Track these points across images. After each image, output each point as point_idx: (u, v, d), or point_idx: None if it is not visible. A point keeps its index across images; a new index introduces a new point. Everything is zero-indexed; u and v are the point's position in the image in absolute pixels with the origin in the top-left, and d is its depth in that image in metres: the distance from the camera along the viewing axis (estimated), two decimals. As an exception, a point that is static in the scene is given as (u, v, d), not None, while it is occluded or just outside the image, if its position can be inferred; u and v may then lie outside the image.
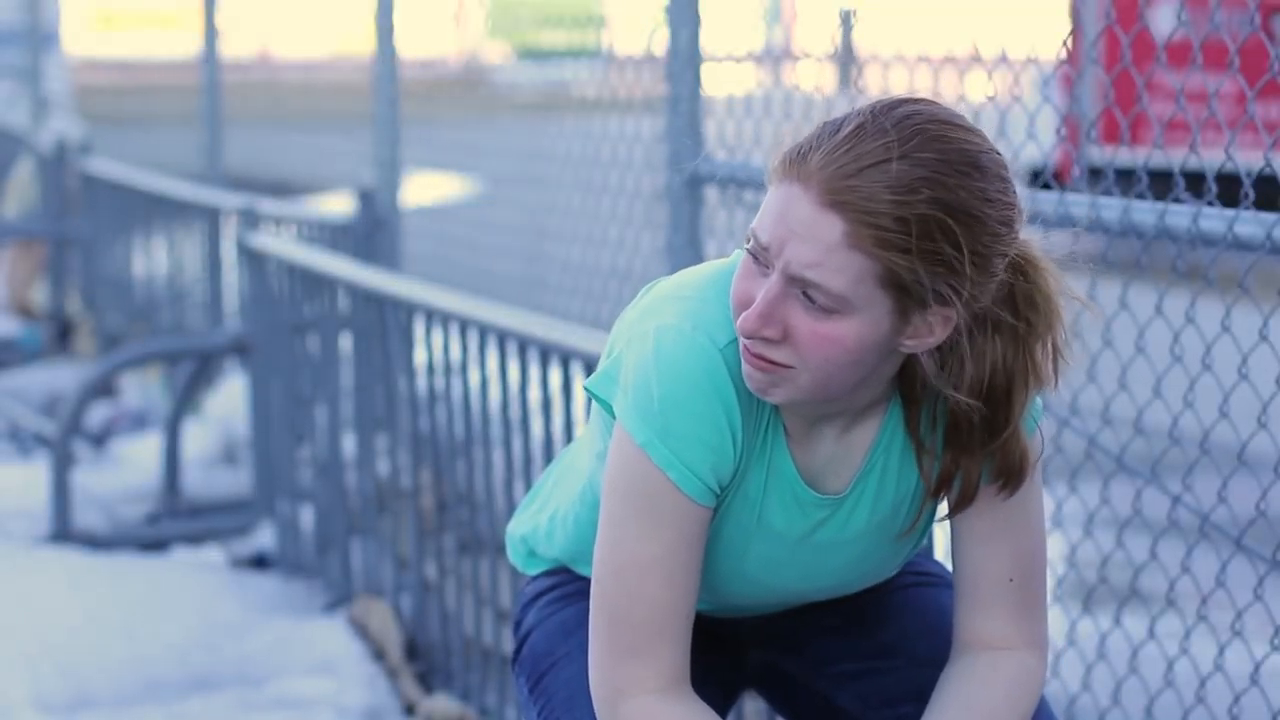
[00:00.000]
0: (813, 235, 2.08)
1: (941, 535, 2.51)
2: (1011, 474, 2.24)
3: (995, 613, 2.31)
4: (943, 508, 2.32)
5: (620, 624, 2.24)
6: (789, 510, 2.29)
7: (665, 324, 2.22)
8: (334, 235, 6.09)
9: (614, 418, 2.25)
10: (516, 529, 2.59)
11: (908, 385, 2.24)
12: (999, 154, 2.15)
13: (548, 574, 2.56)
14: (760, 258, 2.13)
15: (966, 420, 2.19)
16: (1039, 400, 2.26)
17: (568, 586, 2.52)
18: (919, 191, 2.07)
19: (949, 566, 2.41)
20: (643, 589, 2.23)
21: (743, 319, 2.14)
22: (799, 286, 2.10)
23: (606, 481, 2.26)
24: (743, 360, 2.16)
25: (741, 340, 2.16)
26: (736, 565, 2.33)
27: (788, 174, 2.12)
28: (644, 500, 2.21)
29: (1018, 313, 2.16)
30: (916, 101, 2.14)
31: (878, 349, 2.14)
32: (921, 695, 2.38)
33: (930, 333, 2.14)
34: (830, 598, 2.43)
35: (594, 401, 2.30)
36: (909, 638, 2.48)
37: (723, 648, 2.51)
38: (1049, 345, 2.19)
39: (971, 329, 2.15)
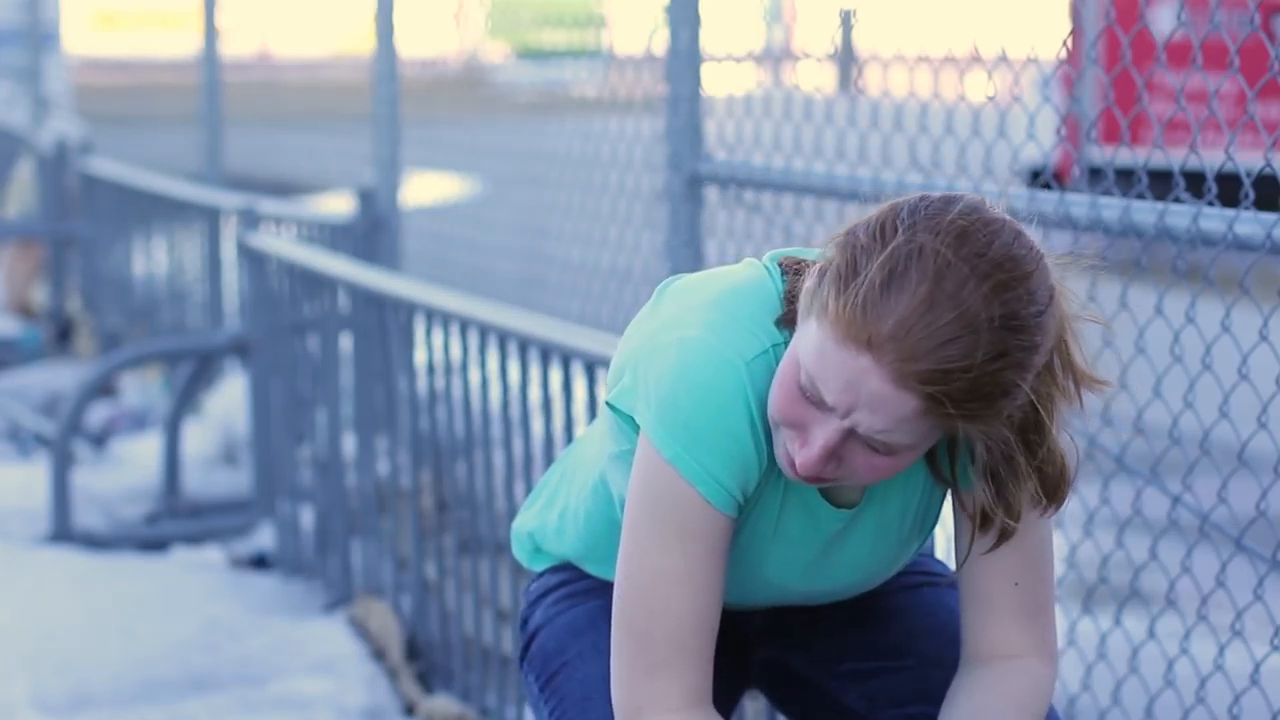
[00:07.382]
0: (887, 410, 2.06)
1: (942, 536, 2.51)
2: (1052, 490, 2.22)
3: (1003, 619, 2.30)
4: (946, 508, 2.31)
5: (642, 639, 2.23)
6: (804, 523, 2.29)
7: (689, 336, 2.20)
8: (334, 235, 6.09)
9: (637, 432, 2.24)
10: (523, 525, 2.59)
11: None
12: (1049, 288, 2.08)
13: (553, 570, 2.55)
14: (816, 402, 2.10)
15: (1002, 454, 2.16)
16: None
17: (574, 585, 2.51)
18: (994, 362, 2.03)
19: (951, 566, 2.40)
20: (666, 604, 2.22)
21: (804, 462, 2.12)
22: (863, 437, 2.10)
23: (631, 495, 2.24)
24: (786, 467, 2.16)
25: (794, 467, 2.15)
26: (752, 571, 2.33)
27: (853, 336, 2.05)
28: (670, 513, 2.21)
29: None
30: (990, 232, 2.06)
31: None
32: (929, 696, 2.38)
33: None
34: (837, 599, 2.43)
35: (615, 415, 2.28)
36: (916, 637, 2.47)
37: (729, 648, 2.50)
38: (1071, 365, 2.15)
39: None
